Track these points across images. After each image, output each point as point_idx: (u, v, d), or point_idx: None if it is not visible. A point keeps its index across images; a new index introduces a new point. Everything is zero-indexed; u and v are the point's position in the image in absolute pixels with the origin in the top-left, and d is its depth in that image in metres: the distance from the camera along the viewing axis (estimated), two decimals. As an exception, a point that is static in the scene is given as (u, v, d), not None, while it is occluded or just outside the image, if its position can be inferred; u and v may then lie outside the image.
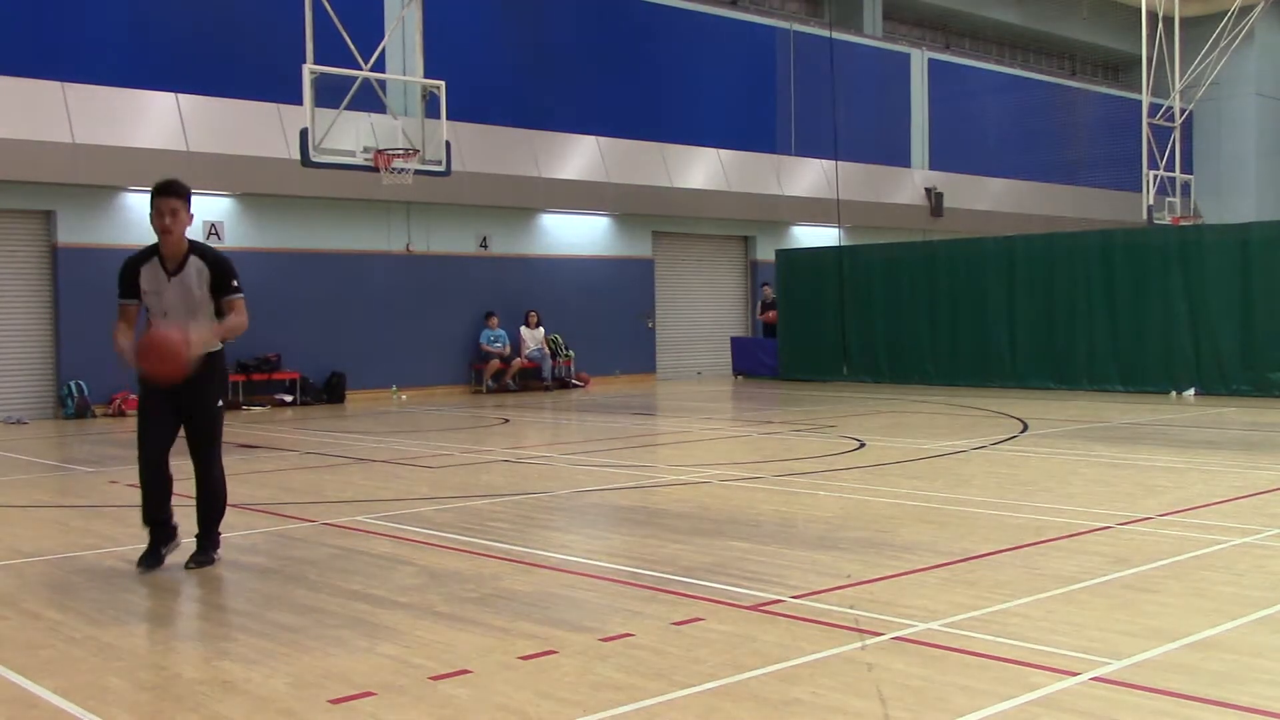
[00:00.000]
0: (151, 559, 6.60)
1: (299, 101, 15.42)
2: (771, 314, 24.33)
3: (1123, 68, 37.09)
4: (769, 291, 24.78)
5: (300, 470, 11.16)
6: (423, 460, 11.62)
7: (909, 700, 4.17)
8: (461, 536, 7.37)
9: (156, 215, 6.45)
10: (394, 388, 20.56)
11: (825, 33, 26.31)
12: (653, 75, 24.27)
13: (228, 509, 6.89)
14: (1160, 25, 28.68)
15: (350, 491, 9.70)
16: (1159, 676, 4.37)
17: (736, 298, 25.72)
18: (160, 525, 6.65)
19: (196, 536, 6.79)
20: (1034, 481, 9.35)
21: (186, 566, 6.62)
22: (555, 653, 4.82)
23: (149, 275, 6.55)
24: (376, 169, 15.80)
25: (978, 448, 11.68)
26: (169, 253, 6.53)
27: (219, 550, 6.82)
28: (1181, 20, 29.84)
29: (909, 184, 29.11)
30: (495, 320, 21.53)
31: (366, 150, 15.75)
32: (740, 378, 23.98)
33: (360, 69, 15.86)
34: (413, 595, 5.85)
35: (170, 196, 6.45)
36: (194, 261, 6.54)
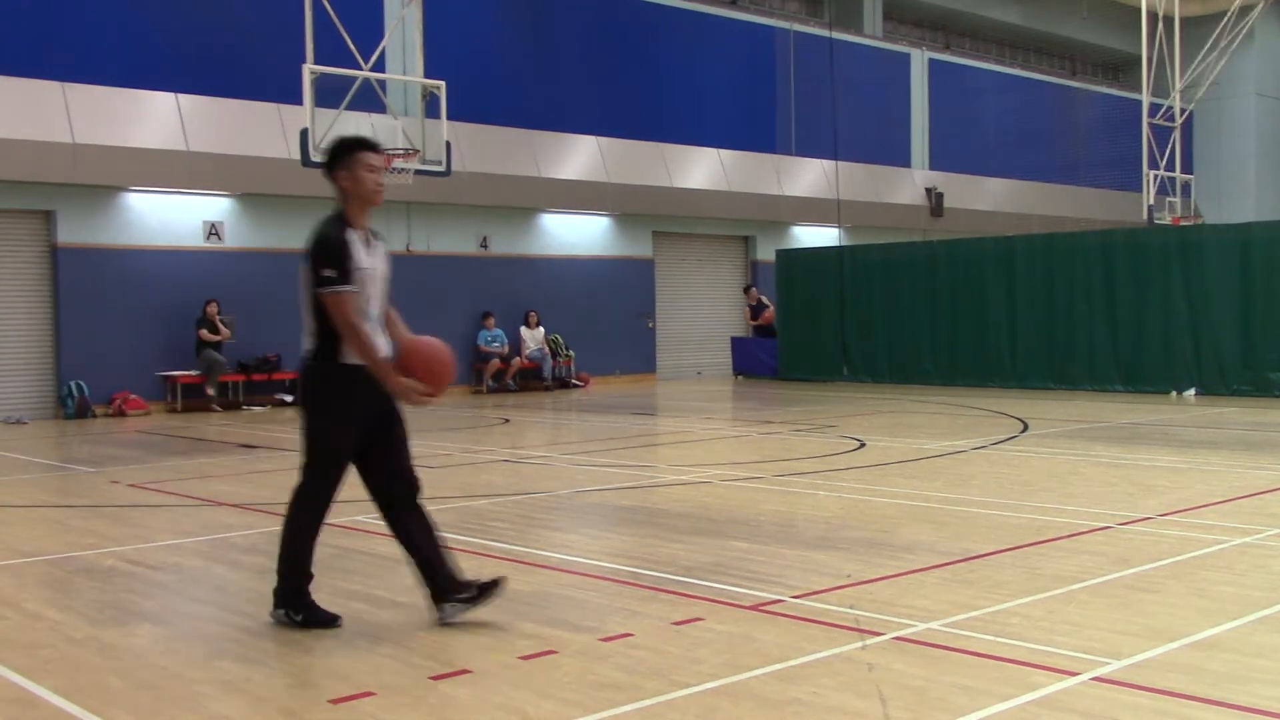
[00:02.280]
0: (325, 612, 5.40)
1: (299, 101, 15.44)
2: (766, 314, 24.29)
3: (1123, 68, 37.07)
4: (755, 294, 24.76)
5: (300, 470, 11.13)
6: (423, 460, 11.57)
7: (909, 700, 4.17)
8: (462, 536, 7.37)
9: (368, 171, 5.19)
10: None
11: (825, 33, 26.32)
12: (653, 75, 24.26)
13: (230, 509, 6.86)
14: (1160, 25, 28.67)
15: (350, 491, 9.67)
16: (1159, 676, 4.37)
17: (737, 297, 25.71)
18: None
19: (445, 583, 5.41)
20: (1034, 481, 9.34)
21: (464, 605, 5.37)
22: (555, 653, 4.82)
23: (362, 248, 5.17)
24: (376, 169, 15.78)
25: (978, 448, 11.68)
26: (367, 222, 5.30)
27: None
28: (1181, 20, 29.83)
29: (909, 184, 29.10)
30: (491, 320, 21.52)
31: (367, 150, 15.73)
32: (740, 378, 23.97)
33: (360, 69, 15.87)
34: (413, 595, 5.84)
35: (380, 153, 5.30)
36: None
